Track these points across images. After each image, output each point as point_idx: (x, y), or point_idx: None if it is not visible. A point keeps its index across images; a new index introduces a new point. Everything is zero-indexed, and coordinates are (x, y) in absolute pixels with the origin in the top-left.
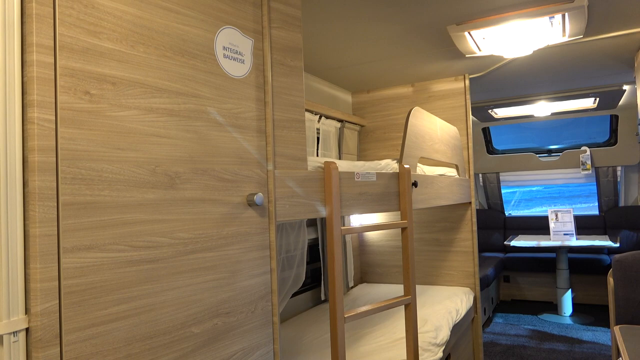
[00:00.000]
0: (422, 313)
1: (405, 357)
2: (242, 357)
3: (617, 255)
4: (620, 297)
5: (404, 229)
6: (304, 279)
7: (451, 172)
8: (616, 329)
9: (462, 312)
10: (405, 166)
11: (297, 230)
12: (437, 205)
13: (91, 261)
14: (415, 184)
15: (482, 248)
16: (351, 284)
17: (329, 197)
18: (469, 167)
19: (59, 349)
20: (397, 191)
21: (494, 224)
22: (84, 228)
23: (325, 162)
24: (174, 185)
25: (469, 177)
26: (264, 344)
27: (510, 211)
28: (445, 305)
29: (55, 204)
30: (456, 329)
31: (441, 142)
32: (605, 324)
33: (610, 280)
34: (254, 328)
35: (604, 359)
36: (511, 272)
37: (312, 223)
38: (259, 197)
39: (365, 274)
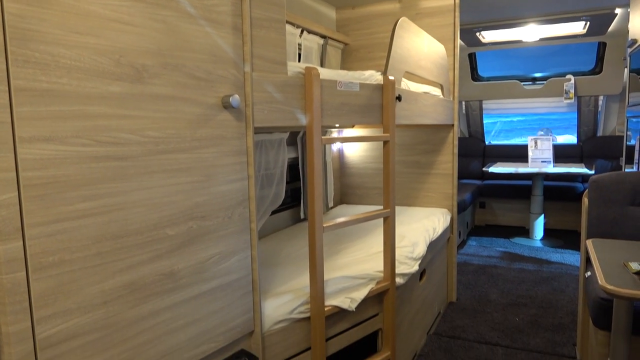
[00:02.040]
0: (400, 230)
1: (382, 269)
2: (219, 261)
3: (594, 176)
4: (593, 216)
5: (385, 143)
6: (283, 197)
7: (436, 91)
8: (588, 242)
9: (439, 231)
10: (390, 78)
11: (276, 149)
12: (420, 123)
13: (52, 154)
14: (399, 98)
15: (460, 175)
16: (331, 204)
17: (309, 104)
18: (453, 88)
19: (21, 242)
20: (380, 104)
21: (474, 152)
22: (41, 117)
23: (307, 68)
24: (142, 79)
25: (453, 100)
26: (242, 249)
27: (491, 140)
28: (423, 224)
29: (7, 89)
30: (432, 246)
31: (427, 59)
32: (574, 247)
33: (585, 200)
34: (231, 234)
35: (570, 278)
36: (487, 198)
37: (292, 142)
38: (234, 99)
39: (345, 195)
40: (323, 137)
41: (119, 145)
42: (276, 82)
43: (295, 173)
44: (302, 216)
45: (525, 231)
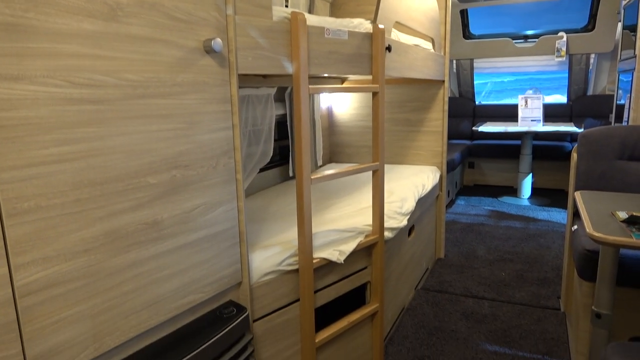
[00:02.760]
0: (389, 186)
1: (370, 223)
2: (204, 211)
3: (583, 131)
4: (581, 170)
5: (375, 94)
6: (271, 154)
7: (427, 45)
8: (577, 193)
9: (428, 187)
10: (380, 26)
11: (264, 104)
12: (410, 76)
13: (21, 94)
14: (389, 49)
15: (450, 136)
16: (320, 163)
17: (295, 52)
18: (445, 43)
19: None
20: (369, 54)
21: (464, 112)
22: (7, 54)
23: (293, 12)
24: (116, 17)
25: (444, 55)
26: (228, 200)
27: (481, 100)
28: (412, 181)
29: None
30: (421, 202)
31: (418, 10)
32: (560, 205)
33: (574, 155)
34: (216, 184)
35: (556, 234)
36: (476, 158)
37: (280, 98)
38: (216, 43)
39: (334, 154)
40: (310, 86)
41: (94, 87)
42: (261, 26)
43: (283, 130)
44: (290, 174)
45: (513, 190)
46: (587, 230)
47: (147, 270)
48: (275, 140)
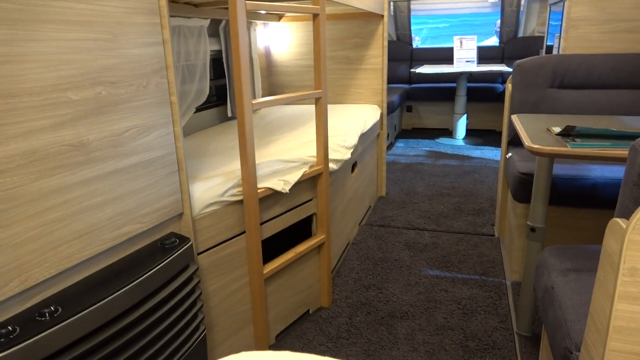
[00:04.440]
0: (332, 123)
1: (315, 154)
2: (136, 135)
3: (518, 61)
4: (516, 99)
5: (315, 16)
6: (207, 92)
7: None
8: (514, 116)
9: (370, 124)
10: None
11: (196, 38)
12: (350, 4)
13: None
14: None
15: (388, 79)
16: None
17: None
18: None
19: None
20: None
21: (401, 56)
22: None
23: None
24: None
25: None
26: (162, 124)
27: (418, 44)
28: (354, 117)
29: None
30: (363, 138)
31: None
32: (493, 144)
33: (509, 85)
34: (149, 105)
35: (489, 170)
36: (414, 102)
37: (214, 33)
38: None
39: (276, 92)
40: (247, 1)
41: None
42: None
43: (219, 69)
44: (229, 114)
45: (449, 132)
46: (526, 143)
47: (76, 196)
48: (211, 79)
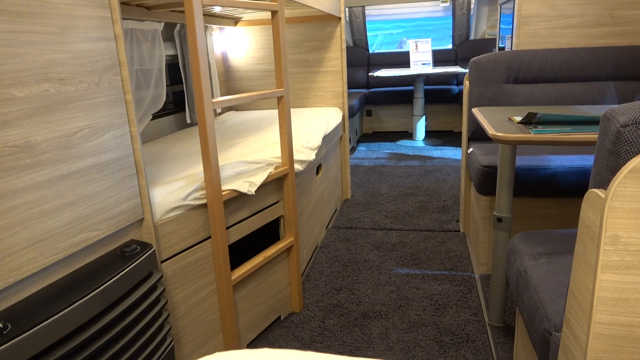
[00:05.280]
0: (295, 125)
1: (279, 155)
2: (89, 136)
3: (473, 58)
4: (474, 95)
5: (274, 13)
6: (164, 99)
7: None
8: (474, 109)
9: (332, 125)
10: None
11: (150, 41)
12: (307, 4)
13: None
14: None
15: (347, 85)
16: (219, 110)
17: None
18: None
19: None
20: None
21: (359, 61)
22: None
23: None
24: None
25: None
26: (117, 124)
27: (374, 49)
28: (316, 119)
29: None
30: (326, 140)
31: None
32: (451, 144)
33: (466, 82)
34: (102, 104)
35: (450, 169)
36: (373, 106)
37: (169, 38)
38: None
39: None
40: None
41: None
42: None
43: (176, 75)
44: (188, 120)
45: (409, 135)
46: (490, 132)
47: (24, 202)
48: (168, 85)
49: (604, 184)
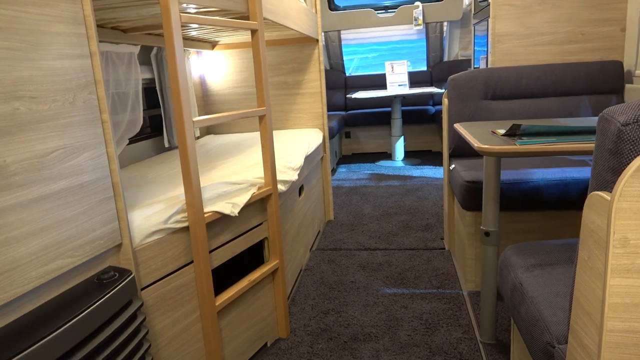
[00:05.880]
0: (276, 146)
1: (262, 176)
2: (64, 156)
3: (452, 75)
4: (453, 112)
5: (254, 32)
6: (141, 122)
7: None
8: (456, 125)
9: (313, 146)
10: None
11: (126, 65)
12: (286, 24)
13: None
14: None
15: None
16: (197, 134)
17: None
18: (315, 2)
19: None
20: None
21: (336, 84)
22: None
23: None
24: None
25: (316, 13)
26: (94, 145)
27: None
28: (298, 140)
29: None
30: (308, 160)
31: None
32: (431, 163)
33: (445, 100)
34: (77, 124)
35: (431, 187)
36: (352, 128)
37: (145, 61)
38: None
39: (212, 125)
40: (182, 14)
41: None
42: None
43: (154, 99)
44: (166, 144)
45: (388, 155)
46: (475, 145)
47: None
48: (145, 109)
49: (606, 186)
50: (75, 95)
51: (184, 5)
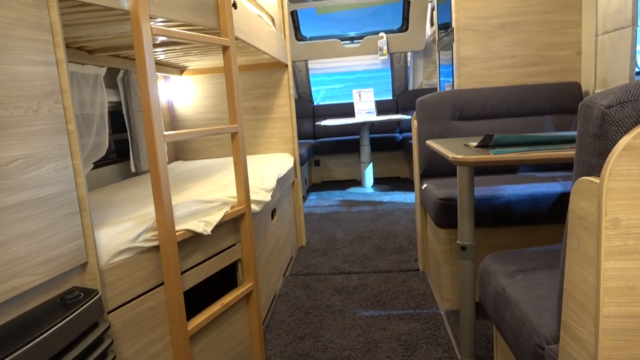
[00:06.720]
0: (248, 169)
1: (235, 195)
2: (26, 167)
3: (420, 98)
4: (422, 134)
5: (226, 49)
6: (107, 146)
7: (268, 20)
8: (429, 142)
9: (285, 169)
10: None
11: (92, 87)
12: (256, 46)
13: None
14: (234, 5)
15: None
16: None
17: None
18: (284, 26)
19: None
20: (214, 4)
21: (304, 113)
22: None
23: None
24: None
25: (285, 39)
26: (58, 156)
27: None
28: (269, 163)
29: None
30: (280, 183)
31: None
32: (400, 189)
33: (415, 122)
34: (41, 133)
35: (402, 212)
36: (321, 156)
37: (112, 85)
38: None
39: (180, 151)
40: (153, 26)
41: None
42: None
43: (120, 123)
44: (133, 169)
45: (357, 182)
46: (450, 156)
47: None
48: (110, 133)
49: (591, 171)
50: (40, 102)
51: (153, 22)
